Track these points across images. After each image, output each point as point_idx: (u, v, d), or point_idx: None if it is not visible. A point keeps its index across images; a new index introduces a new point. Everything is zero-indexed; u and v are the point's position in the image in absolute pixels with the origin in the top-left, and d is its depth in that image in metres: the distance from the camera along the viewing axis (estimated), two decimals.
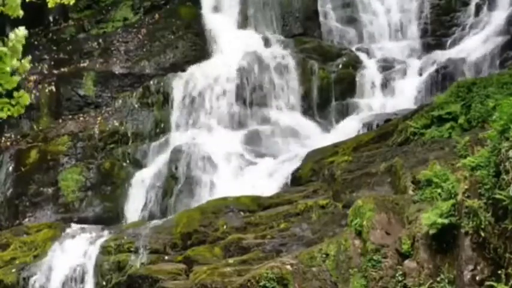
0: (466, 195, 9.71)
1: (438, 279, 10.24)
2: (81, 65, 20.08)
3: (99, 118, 18.96)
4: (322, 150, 16.59)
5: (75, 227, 15.83)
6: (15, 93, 9.54)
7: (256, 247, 13.28)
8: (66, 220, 16.98)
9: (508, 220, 8.89)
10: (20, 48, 9.06)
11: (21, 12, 9.02)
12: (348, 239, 11.78)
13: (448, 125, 14.47)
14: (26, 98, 9.65)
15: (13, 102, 9.61)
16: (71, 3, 9.93)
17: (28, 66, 9.28)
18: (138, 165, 18.23)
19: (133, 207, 17.43)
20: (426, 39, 21.10)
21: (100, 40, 20.62)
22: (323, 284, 11.52)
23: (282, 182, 16.27)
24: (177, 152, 17.54)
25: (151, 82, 19.45)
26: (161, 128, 18.88)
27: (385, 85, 19.63)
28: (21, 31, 8.99)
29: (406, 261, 10.94)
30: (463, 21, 20.89)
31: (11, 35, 8.95)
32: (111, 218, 17.28)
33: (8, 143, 18.69)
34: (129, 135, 18.73)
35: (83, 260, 14.27)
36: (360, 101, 19.38)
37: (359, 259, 11.52)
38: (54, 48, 20.63)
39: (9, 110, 9.65)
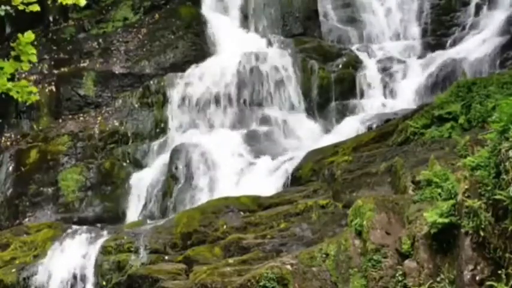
0: (466, 195, 9.71)
1: (438, 279, 10.24)
2: (81, 65, 20.09)
3: (99, 118, 18.97)
4: (322, 150, 16.59)
5: (75, 227, 15.83)
6: (14, 84, 9.96)
7: (256, 247, 13.28)
8: (66, 220, 16.98)
9: (508, 220, 8.89)
10: (29, 50, 9.54)
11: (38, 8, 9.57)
12: (348, 239, 11.79)
13: (448, 124, 14.48)
14: (27, 88, 10.08)
15: (17, 89, 10.06)
16: (81, 4, 10.17)
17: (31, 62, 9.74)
18: (138, 165, 18.23)
19: (133, 207, 17.44)
20: (426, 39, 21.13)
21: (100, 40, 20.63)
22: (323, 284, 11.53)
23: (282, 182, 16.27)
24: (177, 152, 17.54)
25: (151, 82, 19.46)
26: (161, 128, 18.88)
27: (385, 85, 19.64)
28: (28, 35, 9.48)
29: (406, 261, 10.94)
30: (463, 21, 20.92)
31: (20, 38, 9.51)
32: (111, 218, 17.28)
33: (8, 143, 18.69)
34: (129, 135, 18.73)
35: (83, 260, 14.27)
36: (360, 101, 19.38)
37: (359, 259, 11.52)
38: (54, 48, 20.63)
39: (17, 93, 10.18)
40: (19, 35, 9.92)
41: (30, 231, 15.60)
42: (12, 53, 10.21)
